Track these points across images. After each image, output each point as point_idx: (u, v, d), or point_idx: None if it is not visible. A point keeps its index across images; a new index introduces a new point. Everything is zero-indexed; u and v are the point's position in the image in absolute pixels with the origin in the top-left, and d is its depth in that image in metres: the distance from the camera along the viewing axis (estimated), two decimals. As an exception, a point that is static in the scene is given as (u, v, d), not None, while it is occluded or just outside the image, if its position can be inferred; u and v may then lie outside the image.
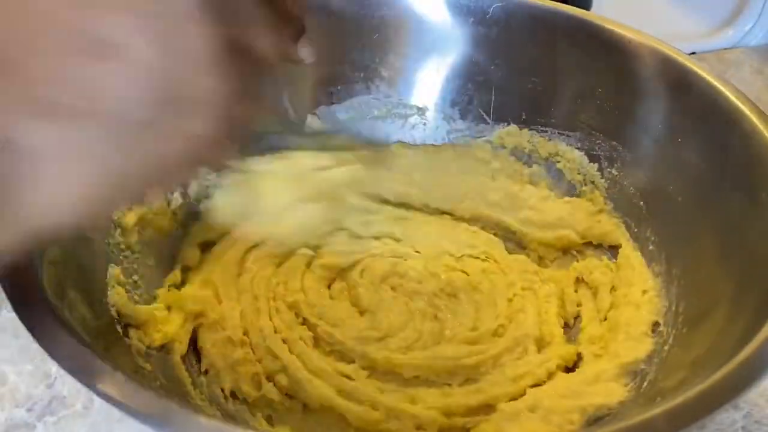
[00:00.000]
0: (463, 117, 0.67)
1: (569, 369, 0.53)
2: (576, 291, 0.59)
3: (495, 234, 0.64)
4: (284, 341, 0.52)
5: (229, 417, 0.48)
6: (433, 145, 0.67)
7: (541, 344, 0.54)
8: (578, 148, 0.62)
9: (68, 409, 0.51)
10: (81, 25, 0.25)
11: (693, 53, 0.89)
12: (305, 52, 0.39)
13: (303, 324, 0.54)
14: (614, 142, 0.60)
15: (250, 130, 0.33)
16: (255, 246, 0.58)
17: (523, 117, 0.64)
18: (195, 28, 0.26)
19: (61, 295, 0.41)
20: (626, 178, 0.60)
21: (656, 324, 0.51)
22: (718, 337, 0.43)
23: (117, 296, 0.48)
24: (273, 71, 0.33)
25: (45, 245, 0.41)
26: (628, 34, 0.57)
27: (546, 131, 0.64)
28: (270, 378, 0.50)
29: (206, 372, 0.51)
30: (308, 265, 0.58)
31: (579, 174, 0.63)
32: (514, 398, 0.49)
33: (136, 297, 0.51)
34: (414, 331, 0.54)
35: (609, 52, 0.58)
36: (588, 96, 0.61)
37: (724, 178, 0.50)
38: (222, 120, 0.29)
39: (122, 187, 0.29)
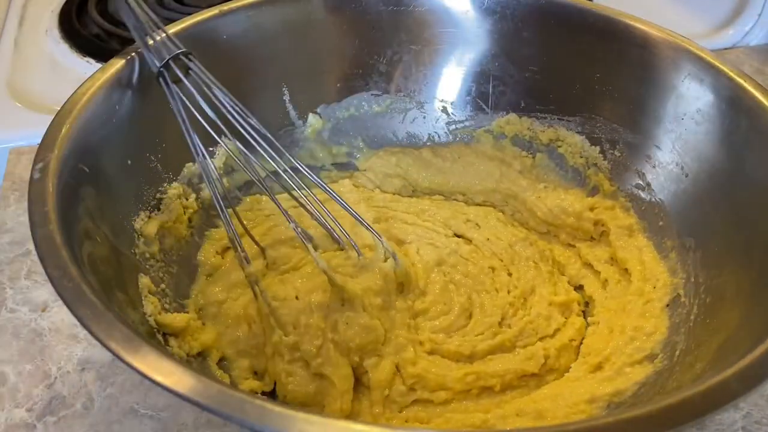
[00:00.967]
0: (461, 108, 0.68)
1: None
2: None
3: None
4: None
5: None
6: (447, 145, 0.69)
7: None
8: (578, 132, 0.63)
9: (68, 409, 0.51)
10: None
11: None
12: None
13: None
14: (615, 125, 0.60)
15: None
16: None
17: (522, 105, 0.65)
18: None
19: (109, 293, 0.41)
20: (631, 160, 0.60)
21: (676, 297, 0.52)
22: (747, 302, 0.45)
23: (151, 306, 0.48)
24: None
25: None
26: (635, 24, 0.59)
27: (545, 117, 0.64)
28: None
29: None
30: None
31: (581, 157, 0.63)
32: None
33: (166, 305, 0.51)
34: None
35: (613, 41, 0.59)
36: (590, 83, 0.62)
37: (740, 164, 0.52)
38: None
39: None
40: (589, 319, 0.57)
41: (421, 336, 0.53)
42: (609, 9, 0.60)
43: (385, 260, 0.54)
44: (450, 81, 0.67)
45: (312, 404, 0.50)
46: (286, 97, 0.65)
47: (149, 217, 0.53)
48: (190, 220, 0.58)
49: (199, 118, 0.51)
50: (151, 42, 0.53)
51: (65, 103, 0.48)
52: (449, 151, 0.68)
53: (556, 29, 0.61)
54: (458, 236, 0.63)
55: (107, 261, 0.45)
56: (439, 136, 0.68)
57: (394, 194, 0.67)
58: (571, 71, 0.62)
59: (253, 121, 0.53)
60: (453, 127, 0.68)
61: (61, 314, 0.56)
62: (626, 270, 0.57)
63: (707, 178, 0.54)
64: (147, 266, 0.51)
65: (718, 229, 0.52)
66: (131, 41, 0.56)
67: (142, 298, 0.48)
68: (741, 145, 0.52)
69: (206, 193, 0.59)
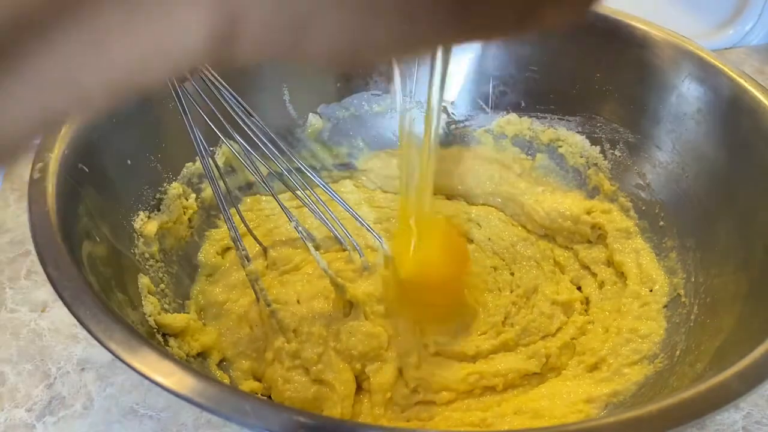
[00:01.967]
0: (462, 108, 0.68)
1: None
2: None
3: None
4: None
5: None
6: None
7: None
8: (579, 132, 0.63)
9: (68, 409, 0.51)
10: None
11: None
12: None
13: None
14: (615, 125, 0.60)
15: None
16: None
17: (522, 105, 0.65)
18: None
19: (109, 293, 0.41)
20: (631, 160, 0.60)
21: (677, 297, 0.52)
22: (747, 302, 0.45)
23: (151, 306, 0.48)
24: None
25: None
26: (636, 23, 0.59)
27: (545, 117, 0.64)
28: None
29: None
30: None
31: (581, 157, 0.63)
32: None
33: (166, 305, 0.51)
34: None
35: (613, 41, 0.59)
36: (590, 83, 0.62)
37: (740, 164, 0.52)
38: None
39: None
40: (584, 317, 0.57)
41: (426, 339, 0.53)
42: (609, 9, 0.59)
43: (387, 264, 0.54)
44: (450, 81, 0.67)
45: (311, 410, 0.50)
46: (286, 97, 0.65)
47: (149, 217, 0.53)
48: (190, 220, 0.58)
49: (205, 117, 0.51)
50: None
51: (65, 102, 0.48)
52: (449, 154, 0.68)
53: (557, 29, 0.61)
54: (461, 235, 0.63)
55: (107, 261, 0.45)
56: (439, 137, 0.68)
57: (395, 194, 0.67)
58: (572, 71, 0.62)
59: (258, 122, 0.53)
60: (453, 127, 0.68)
61: (61, 314, 0.56)
62: (623, 273, 0.57)
63: (707, 178, 0.54)
64: (147, 266, 0.51)
65: (718, 229, 0.52)
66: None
67: (142, 298, 0.48)
68: (741, 145, 0.52)
69: (206, 193, 0.59)
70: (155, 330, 0.47)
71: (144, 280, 0.49)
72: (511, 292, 0.58)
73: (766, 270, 0.45)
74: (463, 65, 0.66)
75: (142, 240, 0.51)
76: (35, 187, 0.42)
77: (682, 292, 0.53)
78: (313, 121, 0.66)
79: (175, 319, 0.49)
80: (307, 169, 0.54)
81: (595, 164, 0.63)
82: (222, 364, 0.52)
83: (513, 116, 0.66)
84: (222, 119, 0.51)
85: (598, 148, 0.62)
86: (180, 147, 0.54)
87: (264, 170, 0.55)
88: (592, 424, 0.33)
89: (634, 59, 0.58)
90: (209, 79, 0.52)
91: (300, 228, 0.53)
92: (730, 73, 0.53)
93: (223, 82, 0.52)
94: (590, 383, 0.49)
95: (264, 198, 0.63)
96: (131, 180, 0.53)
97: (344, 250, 0.56)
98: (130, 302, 0.45)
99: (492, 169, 0.67)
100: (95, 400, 0.51)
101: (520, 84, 0.64)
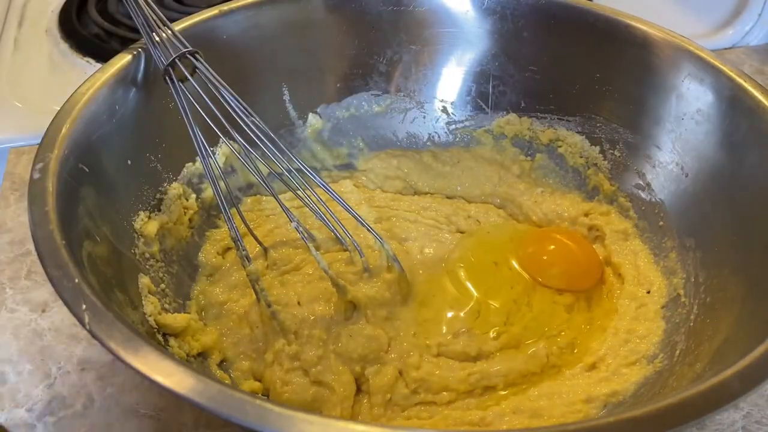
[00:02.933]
0: (461, 108, 0.68)
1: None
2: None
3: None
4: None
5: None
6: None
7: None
8: (578, 132, 0.63)
9: (68, 409, 0.51)
10: None
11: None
12: None
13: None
14: (615, 125, 0.60)
15: None
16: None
17: (522, 105, 0.65)
18: None
19: (109, 293, 0.41)
20: (631, 160, 0.60)
21: (676, 297, 0.52)
22: (747, 302, 0.45)
23: (151, 306, 0.48)
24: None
25: None
26: (636, 23, 0.59)
27: (545, 117, 0.65)
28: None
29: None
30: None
31: (581, 158, 0.63)
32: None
33: (166, 305, 0.51)
34: None
35: (613, 41, 0.59)
36: (590, 83, 0.62)
37: (740, 164, 0.52)
38: None
39: None
40: (584, 315, 0.57)
41: (428, 340, 0.53)
42: (609, 9, 0.60)
43: (388, 267, 0.54)
44: (450, 81, 0.67)
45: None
46: (286, 97, 0.65)
47: (149, 217, 0.53)
48: (190, 220, 0.58)
49: (206, 117, 0.51)
50: (157, 39, 0.53)
51: (65, 102, 0.48)
52: (449, 155, 0.68)
53: (556, 29, 0.61)
54: (461, 232, 0.63)
55: (107, 261, 0.45)
56: (439, 136, 0.68)
57: (395, 194, 0.67)
58: (571, 71, 0.62)
59: (258, 122, 0.53)
60: (453, 127, 0.68)
61: (61, 314, 0.56)
62: (620, 274, 0.58)
63: (707, 178, 0.54)
64: (147, 266, 0.51)
65: (718, 228, 0.52)
66: (131, 41, 0.56)
67: (142, 298, 0.48)
68: (741, 145, 0.52)
69: (207, 193, 0.59)
70: (155, 330, 0.47)
71: (144, 280, 0.49)
72: (512, 288, 0.58)
73: (766, 270, 0.45)
74: (463, 65, 0.66)
75: (142, 240, 0.51)
76: (35, 187, 0.42)
77: (681, 292, 0.53)
78: (313, 121, 0.66)
79: (175, 319, 0.49)
80: (307, 169, 0.54)
81: (595, 164, 0.63)
82: (222, 364, 0.52)
83: (513, 116, 0.66)
84: (222, 119, 0.51)
85: (598, 148, 0.62)
86: (180, 147, 0.54)
87: (264, 170, 0.55)
88: (592, 424, 0.33)
89: (634, 59, 0.58)
90: (209, 79, 0.52)
91: (300, 228, 0.53)
92: (730, 73, 0.53)
93: (223, 82, 0.52)
94: (589, 383, 0.49)
95: (264, 198, 0.63)
96: (131, 180, 0.53)
97: (345, 250, 0.56)
98: (131, 302, 0.45)
99: (491, 171, 0.67)
100: (95, 400, 0.51)
101: (520, 84, 0.64)
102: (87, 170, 0.46)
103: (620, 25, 0.59)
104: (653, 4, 0.96)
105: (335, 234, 0.55)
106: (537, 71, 0.63)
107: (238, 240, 0.53)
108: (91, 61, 0.85)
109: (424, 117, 0.68)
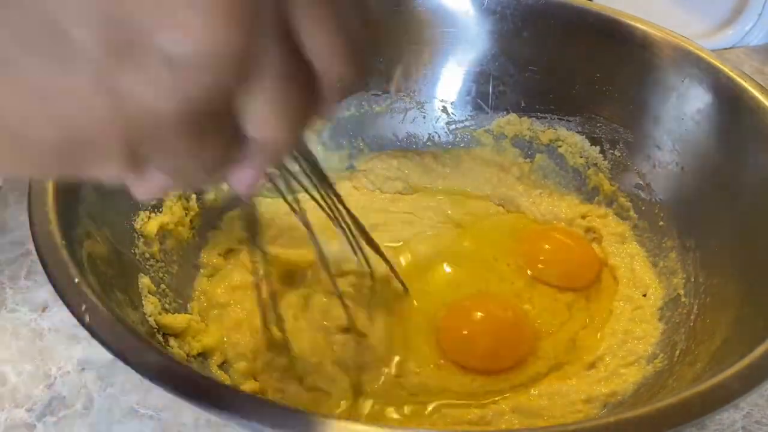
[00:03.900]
0: (461, 108, 0.68)
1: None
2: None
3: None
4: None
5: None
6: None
7: None
8: (579, 132, 0.63)
9: (68, 409, 0.51)
10: None
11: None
12: None
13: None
14: (615, 125, 0.61)
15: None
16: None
17: (522, 105, 0.65)
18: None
19: (109, 293, 0.41)
20: (631, 160, 0.60)
21: (676, 297, 0.53)
22: (747, 302, 0.45)
23: (151, 306, 0.48)
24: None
25: None
26: (636, 23, 0.59)
27: (545, 117, 0.65)
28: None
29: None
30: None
31: (581, 157, 0.63)
32: None
33: (166, 305, 0.50)
34: None
35: (613, 41, 0.60)
36: (590, 83, 0.62)
37: (740, 164, 0.52)
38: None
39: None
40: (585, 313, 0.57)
41: (428, 345, 0.53)
42: (609, 9, 0.60)
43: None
44: (450, 81, 0.67)
45: None
46: (287, 98, 0.65)
47: (149, 218, 0.53)
48: (191, 221, 0.58)
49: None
50: None
51: (65, 102, 0.48)
52: (450, 157, 0.68)
53: (556, 29, 0.61)
54: (460, 228, 0.64)
55: (107, 261, 0.45)
56: (439, 136, 0.68)
57: (394, 194, 0.67)
58: (572, 71, 0.62)
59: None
60: (453, 127, 0.68)
61: (61, 314, 0.56)
62: (615, 277, 0.58)
63: (707, 177, 0.54)
64: (147, 266, 0.51)
65: (718, 229, 0.52)
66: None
67: (142, 298, 0.48)
68: (741, 145, 0.52)
69: (208, 195, 0.59)
70: (155, 330, 0.47)
71: (144, 280, 0.49)
72: (513, 284, 0.58)
73: (766, 270, 0.45)
74: (462, 65, 0.66)
75: (142, 240, 0.51)
76: (35, 187, 0.42)
77: (681, 292, 0.53)
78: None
79: (175, 320, 0.49)
80: (310, 173, 0.54)
81: (595, 164, 0.63)
82: (223, 365, 0.52)
83: (513, 116, 0.66)
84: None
85: (598, 148, 0.62)
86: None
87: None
88: (592, 424, 0.33)
89: (634, 59, 0.58)
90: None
91: (318, 248, 0.49)
92: (730, 73, 0.53)
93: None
94: (589, 383, 0.49)
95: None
96: (131, 180, 0.52)
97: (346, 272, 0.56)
98: (131, 302, 0.45)
99: (490, 172, 0.67)
100: (95, 400, 0.51)
101: (520, 84, 0.64)
102: (87, 170, 0.46)
103: (620, 25, 0.59)
104: (653, 3, 0.96)
105: (351, 245, 0.51)
106: (537, 71, 0.63)
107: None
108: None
109: (424, 117, 0.68)
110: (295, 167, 0.47)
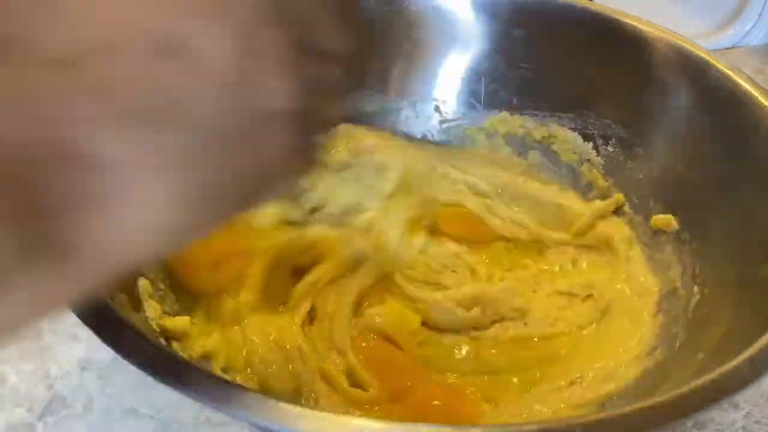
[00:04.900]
0: (454, 107, 0.68)
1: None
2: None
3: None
4: None
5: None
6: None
7: None
8: (572, 129, 0.64)
9: (68, 409, 0.51)
10: (148, 25, 0.21)
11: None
12: None
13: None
14: (609, 122, 0.61)
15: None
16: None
17: (514, 102, 0.65)
18: (268, 28, 0.23)
19: (111, 294, 0.41)
20: (624, 155, 0.61)
21: (674, 290, 0.53)
22: (745, 295, 0.45)
23: (152, 310, 0.48)
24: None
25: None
26: (632, 22, 0.59)
27: (537, 115, 0.65)
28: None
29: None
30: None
31: (574, 154, 0.64)
32: None
33: (167, 308, 0.50)
34: None
35: (608, 39, 0.60)
36: (582, 80, 0.62)
37: (740, 164, 0.52)
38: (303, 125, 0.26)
39: (212, 208, 0.25)
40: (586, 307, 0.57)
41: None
42: (603, 7, 0.60)
43: None
44: (442, 79, 0.67)
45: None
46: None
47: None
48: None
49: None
50: None
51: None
52: (441, 154, 0.67)
53: (549, 27, 0.62)
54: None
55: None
56: (432, 135, 0.69)
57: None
58: (565, 69, 0.62)
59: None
60: (446, 125, 0.68)
61: (61, 314, 0.56)
62: (612, 272, 0.58)
63: (703, 174, 0.54)
64: (146, 269, 0.51)
65: (715, 224, 0.52)
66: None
67: (143, 301, 0.48)
68: (739, 144, 0.52)
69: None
70: (157, 333, 0.47)
71: (143, 283, 0.49)
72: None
73: (763, 265, 0.46)
74: (454, 63, 0.66)
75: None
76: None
77: (678, 284, 0.53)
78: (310, 121, 0.66)
79: (174, 323, 0.49)
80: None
81: (588, 160, 0.63)
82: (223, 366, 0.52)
83: (505, 114, 0.66)
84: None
85: (591, 144, 0.63)
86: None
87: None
88: (592, 419, 0.33)
89: (630, 57, 0.58)
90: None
91: None
92: (729, 73, 0.53)
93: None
94: (589, 377, 0.49)
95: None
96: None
97: None
98: (133, 304, 0.45)
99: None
100: (96, 400, 0.51)
101: (513, 82, 0.65)
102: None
103: (614, 23, 0.59)
104: (653, 3, 0.97)
105: None
106: (529, 69, 0.64)
107: None
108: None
109: (417, 116, 0.68)
110: None
